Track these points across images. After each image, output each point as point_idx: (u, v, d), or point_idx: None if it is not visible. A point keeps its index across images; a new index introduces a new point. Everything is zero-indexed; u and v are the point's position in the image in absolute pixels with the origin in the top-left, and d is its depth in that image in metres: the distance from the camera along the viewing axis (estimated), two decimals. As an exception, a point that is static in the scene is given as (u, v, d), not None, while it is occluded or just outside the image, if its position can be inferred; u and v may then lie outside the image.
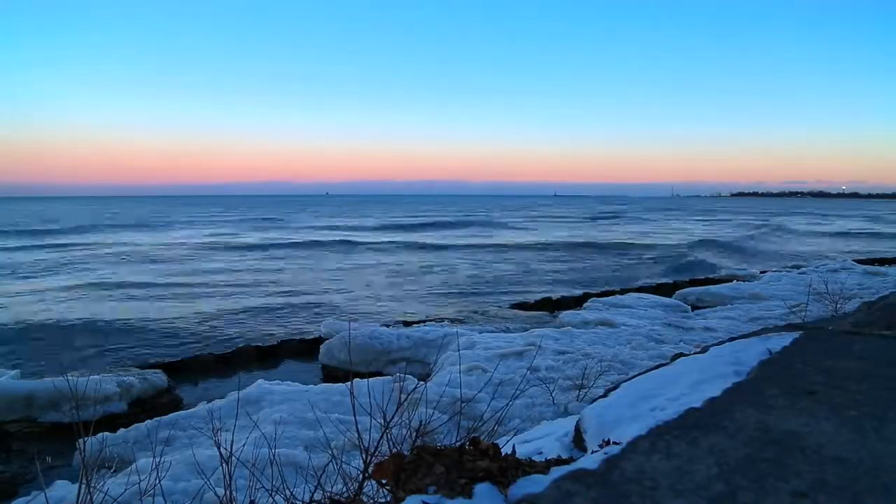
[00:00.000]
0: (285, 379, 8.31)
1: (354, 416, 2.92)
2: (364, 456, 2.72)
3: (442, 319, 13.11)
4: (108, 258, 27.45)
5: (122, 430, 6.36)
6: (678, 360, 3.65)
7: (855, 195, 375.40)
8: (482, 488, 1.74)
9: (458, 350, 8.42)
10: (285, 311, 15.19)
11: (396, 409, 2.87)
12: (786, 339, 3.47)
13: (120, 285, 18.89)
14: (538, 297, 16.96)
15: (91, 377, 7.47)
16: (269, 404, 6.93)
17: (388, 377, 7.45)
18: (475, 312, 14.31)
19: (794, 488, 1.67)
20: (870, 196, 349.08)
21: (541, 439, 3.40)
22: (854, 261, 22.28)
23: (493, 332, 11.19)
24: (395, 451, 2.43)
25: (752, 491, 1.66)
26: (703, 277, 20.47)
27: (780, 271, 20.35)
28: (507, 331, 11.42)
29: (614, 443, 2.15)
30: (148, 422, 6.55)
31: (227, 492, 2.83)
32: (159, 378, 8.81)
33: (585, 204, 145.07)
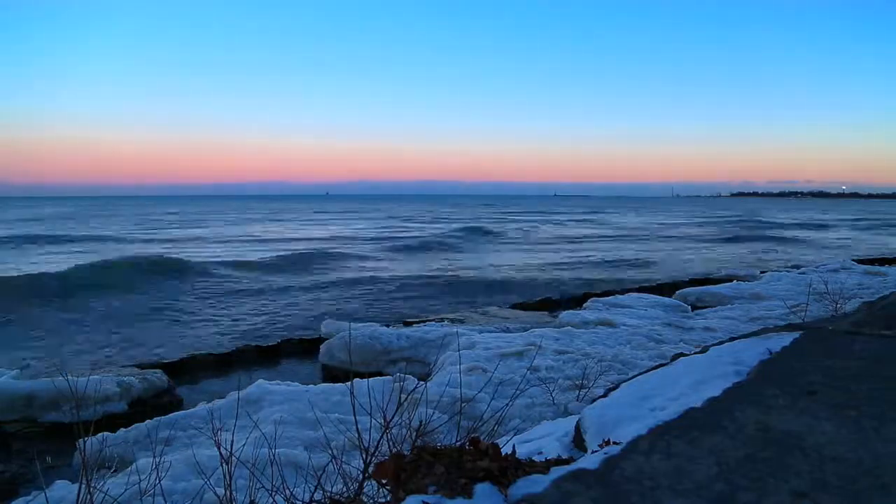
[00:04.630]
0: (285, 379, 8.30)
1: (354, 416, 2.92)
2: (364, 456, 2.73)
3: (442, 319, 13.11)
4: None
5: (122, 430, 6.35)
6: (678, 360, 3.65)
7: (855, 195, 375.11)
8: (482, 488, 1.74)
9: (458, 350, 8.40)
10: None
11: (396, 409, 2.87)
12: (786, 339, 3.47)
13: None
14: (538, 297, 16.96)
15: (91, 377, 7.46)
16: (269, 404, 6.92)
17: (388, 377, 7.44)
18: (475, 312, 14.31)
19: (794, 488, 1.67)
20: (870, 196, 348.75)
21: (541, 439, 3.40)
22: (854, 261, 22.27)
23: (493, 332, 11.17)
24: (395, 451, 2.43)
25: (752, 491, 1.66)
26: (702, 277, 20.49)
27: (779, 271, 20.35)
28: (507, 331, 11.40)
29: (614, 443, 2.15)
30: (148, 422, 6.54)
31: (227, 492, 2.83)
32: (159, 378, 8.81)
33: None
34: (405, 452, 2.05)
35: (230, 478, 2.83)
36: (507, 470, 1.84)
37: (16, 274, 18.99)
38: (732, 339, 4.02)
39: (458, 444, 2.07)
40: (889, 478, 1.72)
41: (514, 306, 15.76)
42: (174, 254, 25.70)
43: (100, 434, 5.74)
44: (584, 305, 14.36)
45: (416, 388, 5.20)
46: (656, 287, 18.43)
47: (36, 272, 19.22)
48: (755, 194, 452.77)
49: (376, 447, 2.72)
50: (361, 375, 7.66)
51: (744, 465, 1.82)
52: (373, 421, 2.83)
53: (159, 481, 2.91)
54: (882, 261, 25.50)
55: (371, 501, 2.40)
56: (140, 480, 2.90)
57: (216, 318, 14.52)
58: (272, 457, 2.99)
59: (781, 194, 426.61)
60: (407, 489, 1.81)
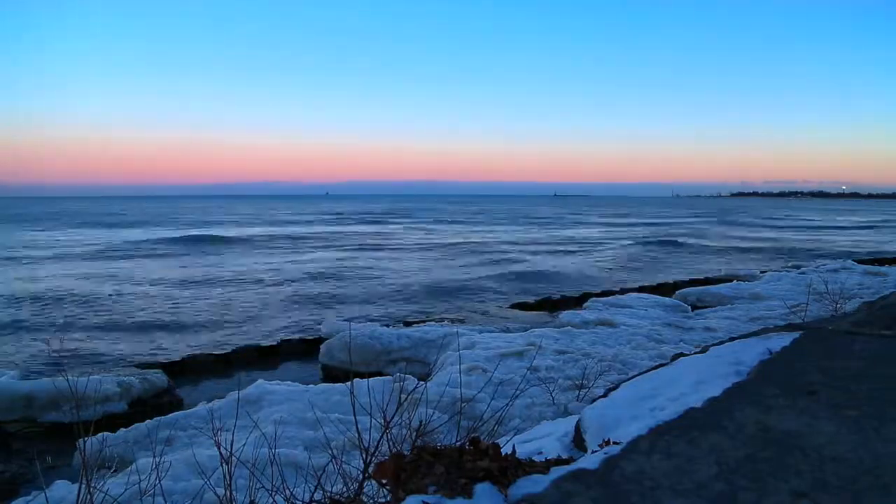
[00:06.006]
0: (285, 379, 8.31)
1: (354, 416, 2.92)
2: (364, 456, 2.72)
3: (442, 319, 13.11)
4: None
5: (122, 430, 6.35)
6: (678, 360, 3.65)
7: (855, 195, 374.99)
8: (482, 488, 1.74)
9: (459, 350, 8.41)
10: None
11: (396, 409, 2.87)
12: (786, 339, 3.47)
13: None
14: (538, 297, 16.96)
15: (91, 377, 7.45)
16: (269, 404, 6.93)
17: (388, 377, 7.44)
18: (475, 312, 14.31)
19: (794, 488, 1.67)
20: (870, 196, 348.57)
21: (541, 439, 3.40)
22: (854, 261, 22.28)
23: (493, 332, 11.18)
24: (395, 451, 2.43)
25: (753, 491, 1.66)
26: (703, 278, 20.50)
27: (780, 271, 20.37)
28: (507, 331, 11.41)
29: (614, 443, 2.15)
30: (148, 422, 6.55)
31: (227, 492, 2.83)
32: (159, 378, 8.81)
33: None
34: (405, 452, 2.05)
35: (230, 478, 2.83)
36: (507, 470, 1.84)
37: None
38: (732, 339, 4.02)
39: (458, 444, 2.07)
40: (889, 478, 1.72)
41: (514, 306, 15.76)
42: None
43: (100, 434, 5.74)
44: (585, 305, 14.36)
45: (416, 388, 5.20)
46: (656, 287, 18.44)
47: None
48: (755, 194, 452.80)
49: (376, 447, 2.72)
50: (361, 375, 7.66)
51: (744, 465, 1.82)
52: (373, 421, 2.83)
53: (159, 481, 2.91)
54: (882, 261, 25.51)
55: (371, 501, 2.40)
56: (140, 480, 2.90)
57: (216, 317, 14.51)
58: (272, 457, 2.98)
59: (781, 194, 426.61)
60: (407, 489, 1.81)
